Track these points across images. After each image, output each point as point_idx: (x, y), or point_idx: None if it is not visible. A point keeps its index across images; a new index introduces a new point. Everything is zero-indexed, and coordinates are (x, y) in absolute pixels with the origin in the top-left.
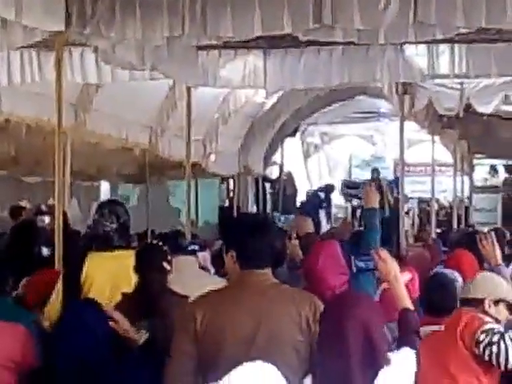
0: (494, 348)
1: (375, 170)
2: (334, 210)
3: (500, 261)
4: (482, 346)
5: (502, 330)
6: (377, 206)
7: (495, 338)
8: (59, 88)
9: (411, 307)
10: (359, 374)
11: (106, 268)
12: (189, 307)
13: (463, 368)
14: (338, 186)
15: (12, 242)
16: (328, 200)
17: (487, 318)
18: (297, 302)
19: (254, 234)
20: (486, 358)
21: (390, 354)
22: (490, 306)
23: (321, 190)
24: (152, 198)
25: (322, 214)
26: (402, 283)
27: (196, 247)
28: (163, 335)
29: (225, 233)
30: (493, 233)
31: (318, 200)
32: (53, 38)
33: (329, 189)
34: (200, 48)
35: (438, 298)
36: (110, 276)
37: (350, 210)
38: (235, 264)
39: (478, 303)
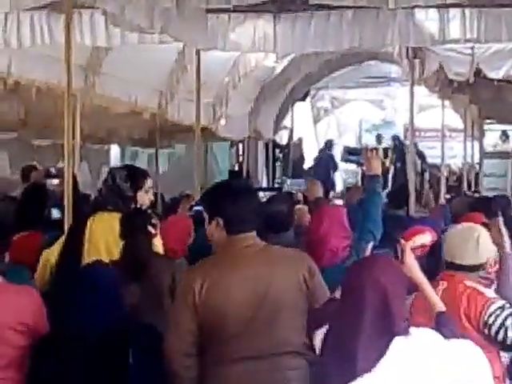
0: (510, 333)
1: (379, 136)
2: (344, 176)
3: (509, 249)
4: (494, 329)
5: (507, 306)
6: (378, 172)
7: (509, 322)
8: (68, 50)
9: (443, 308)
10: (371, 334)
11: (106, 230)
12: (185, 279)
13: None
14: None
15: (23, 204)
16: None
17: (487, 292)
18: (292, 261)
19: (238, 199)
20: (500, 339)
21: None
22: (491, 266)
23: (322, 150)
24: (161, 161)
25: (336, 175)
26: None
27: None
28: (153, 298)
29: (208, 201)
30: (500, 219)
31: (332, 163)
32: (62, 0)
33: (329, 145)
34: (209, 11)
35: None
36: (107, 238)
37: (360, 175)
38: (222, 231)
39: (476, 268)
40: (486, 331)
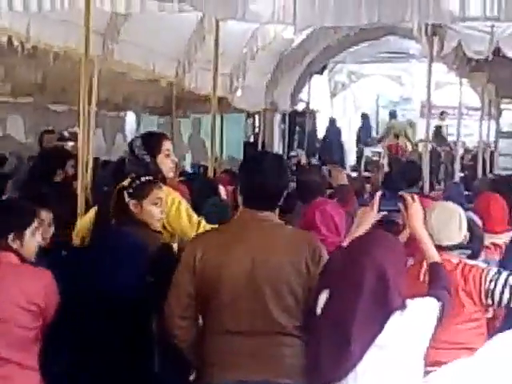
0: None
1: (393, 113)
2: (369, 153)
3: None
4: (497, 293)
5: (502, 270)
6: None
7: (511, 280)
8: (88, 16)
9: (438, 259)
10: (367, 311)
11: None
12: (190, 244)
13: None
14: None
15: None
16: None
17: (478, 263)
18: (296, 243)
19: (258, 174)
20: (505, 301)
21: (409, 301)
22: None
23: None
24: (177, 130)
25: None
26: (427, 235)
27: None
28: None
29: (238, 169)
30: None
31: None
32: None
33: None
34: None
35: None
36: None
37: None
38: (241, 202)
39: (459, 246)
40: (490, 300)
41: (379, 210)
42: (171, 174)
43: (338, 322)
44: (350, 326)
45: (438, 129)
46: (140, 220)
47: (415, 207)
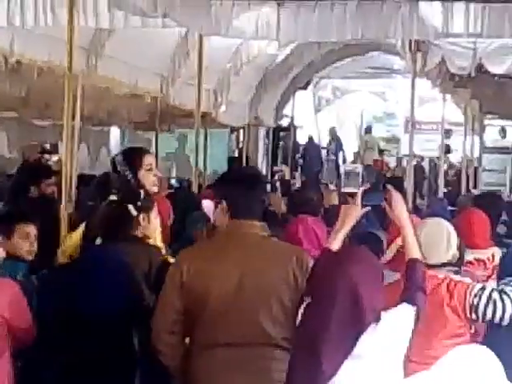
0: (499, 303)
1: (368, 129)
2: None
3: None
4: (481, 308)
5: (486, 285)
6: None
7: (495, 295)
8: (71, 31)
9: (420, 257)
10: (340, 326)
11: None
12: (176, 260)
13: (455, 335)
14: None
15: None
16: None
17: (463, 279)
18: (284, 255)
19: (242, 185)
20: (489, 316)
21: (383, 313)
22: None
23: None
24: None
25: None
26: (411, 231)
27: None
28: None
29: (219, 184)
30: None
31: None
32: None
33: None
34: None
35: None
36: None
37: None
38: (225, 215)
39: (446, 264)
40: (474, 315)
41: (363, 206)
42: (155, 189)
43: (311, 336)
44: (321, 342)
45: (447, 147)
46: (144, 234)
47: (397, 197)
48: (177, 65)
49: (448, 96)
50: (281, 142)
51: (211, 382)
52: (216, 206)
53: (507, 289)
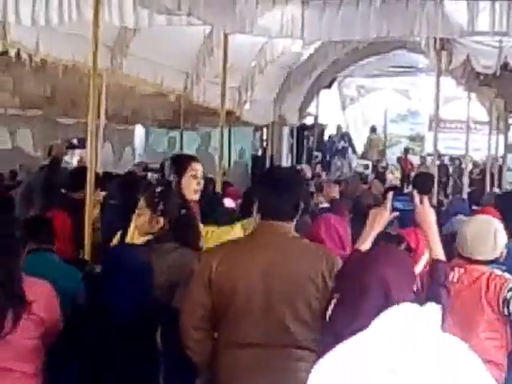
0: None
1: (372, 128)
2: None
3: None
4: None
5: None
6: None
7: None
8: (96, 30)
9: (443, 257)
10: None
11: None
12: (205, 256)
13: (491, 329)
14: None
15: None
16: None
17: (505, 274)
18: (313, 257)
19: (275, 187)
20: None
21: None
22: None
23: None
24: (186, 143)
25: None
26: (436, 232)
27: None
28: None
29: (253, 183)
30: None
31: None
32: None
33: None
34: None
35: None
36: None
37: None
38: (258, 215)
39: (492, 261)
40: (506, 310)
41: (393, 210)
42: (195, 197)
43: (339, 332)
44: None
45: None
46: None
47: (424, 206)
48: (201, 63)
49: (473, 95)
50: (305, 141)
51: (234, 381)
52: (236, 205)
53: None
